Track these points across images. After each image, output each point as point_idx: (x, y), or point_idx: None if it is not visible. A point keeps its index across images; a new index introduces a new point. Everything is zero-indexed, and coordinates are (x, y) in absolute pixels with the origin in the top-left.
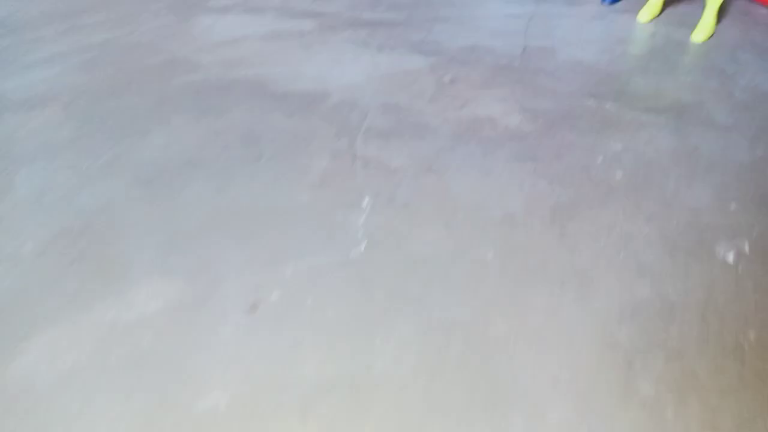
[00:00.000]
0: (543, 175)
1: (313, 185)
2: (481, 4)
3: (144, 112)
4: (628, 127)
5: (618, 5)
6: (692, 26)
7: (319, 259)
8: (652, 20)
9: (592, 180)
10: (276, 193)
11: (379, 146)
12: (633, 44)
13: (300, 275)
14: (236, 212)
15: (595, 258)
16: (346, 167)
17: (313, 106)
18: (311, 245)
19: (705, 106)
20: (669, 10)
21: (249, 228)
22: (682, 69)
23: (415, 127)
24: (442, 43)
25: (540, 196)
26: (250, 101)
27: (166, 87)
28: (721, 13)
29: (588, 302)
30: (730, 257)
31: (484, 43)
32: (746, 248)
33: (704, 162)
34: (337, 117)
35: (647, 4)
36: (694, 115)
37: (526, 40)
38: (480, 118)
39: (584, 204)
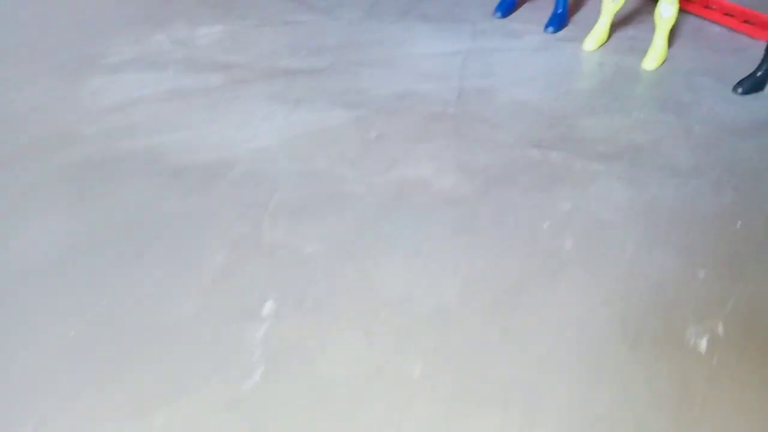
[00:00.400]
0: (482, 251)
1: (204, 290)
2: (412, 41)
3: (8, 204)
4: (577, 180)
5: (561, 33)
6: (643, 52)
7: (200, 399)
8: (598, 48)
9: (539, 252)
10: (155, 306)
11: (289, 228)
12: (579, 78)
13: (173, 427)
14: (99, 339)
15: (544, 361)
16: (247, 261)
17: (213, 181)
18: (192, 380)
19: (662, 146)
20: (617, 35)
21: (113, 362)
22: (635, 103)
23: (334, 199)
24: (368, 91)
25: (478, 278)
26: (139, 180)
27: (40, 169)
28: (673, 33)
29: (537, 428)
30: (703, 345)
31: (414, 88)
32: (720, 330)
33: (665, 217)
34: (242, 193)
35: (593, 30)
36: (650, 159)
37: (462, 81)
38: (410, 181)
39: (530, 286)
